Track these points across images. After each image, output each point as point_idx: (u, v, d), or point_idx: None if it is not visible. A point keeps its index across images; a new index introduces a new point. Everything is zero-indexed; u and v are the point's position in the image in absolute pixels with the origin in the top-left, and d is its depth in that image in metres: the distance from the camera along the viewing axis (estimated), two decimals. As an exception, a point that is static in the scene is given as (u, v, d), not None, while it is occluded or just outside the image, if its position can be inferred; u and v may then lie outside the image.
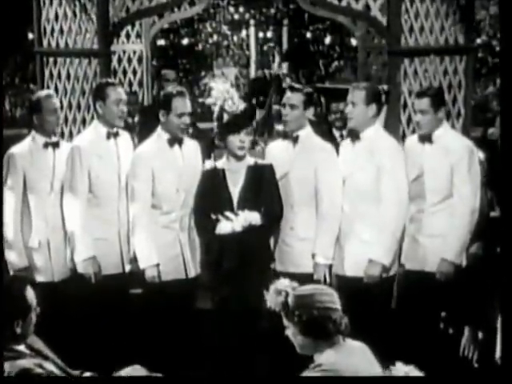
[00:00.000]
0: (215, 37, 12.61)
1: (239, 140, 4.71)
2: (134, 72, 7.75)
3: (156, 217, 4.82)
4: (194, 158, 4.97)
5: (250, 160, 4.84)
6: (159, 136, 4.91)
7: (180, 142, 4.89)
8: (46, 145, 5.01)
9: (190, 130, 5.63)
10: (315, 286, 3.26)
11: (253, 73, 12.09)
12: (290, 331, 3.21)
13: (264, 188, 4.71)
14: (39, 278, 4.99)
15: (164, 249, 4.81)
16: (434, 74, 6.25)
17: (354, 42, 11.25)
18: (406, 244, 4.98)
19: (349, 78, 11.70)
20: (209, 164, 4.98)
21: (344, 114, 6.53)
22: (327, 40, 12.55)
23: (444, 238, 4.82)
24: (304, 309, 3.15)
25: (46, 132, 5.05)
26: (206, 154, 6.50)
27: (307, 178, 4.83)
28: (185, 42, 12.20)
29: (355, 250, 4.81)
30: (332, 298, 3.19)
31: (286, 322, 3.23)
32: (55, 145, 5.04)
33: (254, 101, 8.87)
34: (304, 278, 4.60)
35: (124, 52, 7.68)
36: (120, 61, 7.67)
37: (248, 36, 12.49)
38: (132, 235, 4.82)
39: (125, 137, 5.11)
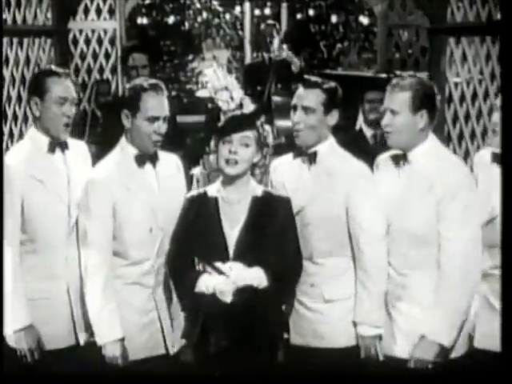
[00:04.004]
0: (205, 14, 11.75)
1: (229, 150, 3.34)
2: (107, 55, 6.96)
3: (120, 269, 3.52)
4: (174, 180, 3.65)
5: (256, 188, 3.44)
6: (123, 150, 3.58)
7: (153, 158, 3.54)
8: None
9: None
10: None
11: (248, 56, 11.03)
12: None
13: (275, 232, 3.34)
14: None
15: (133, 315, 3.54)
16: (485, 59, 5.41)
17: (364, 20, 10.68)
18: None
19: (356, 63, 10.88)
20: (195, 189, 3.75)
21: (378, 106, 5.59)
22: (333, 18, 11.60)
23: None
24: None
25: None
26: (194, 160, 5.27)
27: (333, 216, 3.52)
28: (170, 20, 11.35)
29: (407, 321, 3.49)
30: None
31: None
32: None
33: (249, 90, 7.56)
34: (334, 356, 3.51)
35: (93, 31, 6.91)
36: (88, 42, 6.89)
37: (242, 13, 11.46)
38: (86, 296, 3.49)
39: (78, 148, 3.75)
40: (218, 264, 3.29)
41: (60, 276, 3.58)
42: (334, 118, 3.59)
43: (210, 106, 5.03)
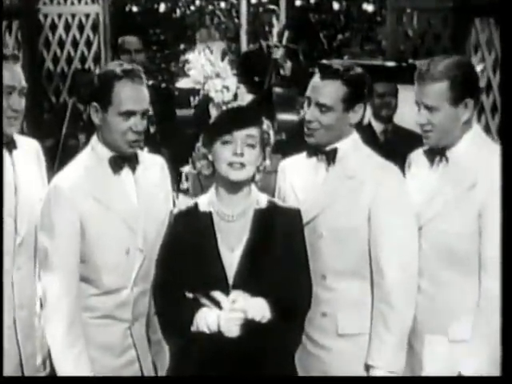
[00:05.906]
0: (198, 1, 11.51)
1: (232, 152, 2.73)
2: (88, 43, 6.80)
3: (90, 299, 2.97)
4: (157, 189, 3.08)
5: (260, 198, 2.85)
6: (94, 152, 3.00)
7: (132, 161, 2.99)
8: None
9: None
10: None
11: (244, 47, 10.66)
12: None
13: (284, 254, 2.77)
14: None
15: (105, 355, 3.00)
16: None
17: (368, 7, 10.26)
18: None
19: (359, 54, 10.58)
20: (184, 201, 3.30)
21: (390, 101, 5.19)
22: (335, 6, 11.23)
23: None
24: None
25: None
26: (183, 158, 4.97)
27: (352, 227, 2.94)
28: (161, 7, 11.10)
29: (438, 356, 2.95)
30: None
31: None
32: None
33: (245, 81, 7.09)
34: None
35: (74, 16, 6.76)
36: (68, 27, 6.74)
37: (238, 0, 11.19)
38: (46, 333, 2.96)
39: (29, 149, 3.17)
40: (216, 294, 2.72)
41: (6, 303, 2.99)
42: (357, 114, 2.97)
43: (196, 98, 4.39)
